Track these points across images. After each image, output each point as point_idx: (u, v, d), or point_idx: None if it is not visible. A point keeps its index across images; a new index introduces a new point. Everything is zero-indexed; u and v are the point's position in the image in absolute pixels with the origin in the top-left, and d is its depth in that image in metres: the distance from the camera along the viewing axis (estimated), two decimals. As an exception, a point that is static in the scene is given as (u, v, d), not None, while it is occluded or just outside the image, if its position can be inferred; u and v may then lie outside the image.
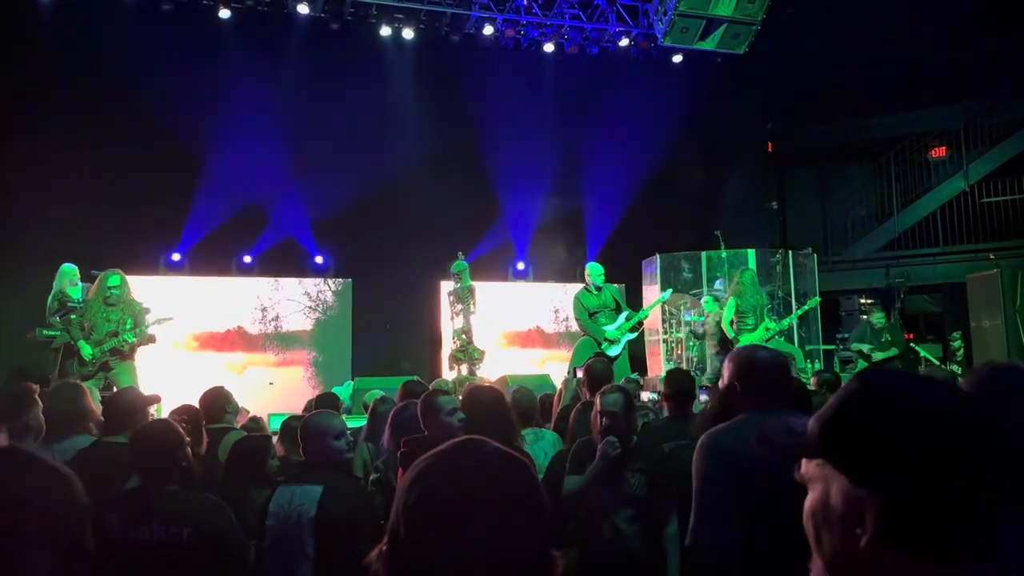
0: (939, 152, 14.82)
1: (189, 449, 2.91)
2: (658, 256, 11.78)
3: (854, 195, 15.55)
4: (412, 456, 3.61)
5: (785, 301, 10.98)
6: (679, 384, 4.46)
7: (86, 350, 7.47)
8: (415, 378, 6.14)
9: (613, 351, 8.67)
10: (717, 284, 11.33)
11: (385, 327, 12.13)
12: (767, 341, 8.57)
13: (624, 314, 8.81)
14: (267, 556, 3.00)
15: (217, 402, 4.66)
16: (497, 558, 0.92)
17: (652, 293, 11.91)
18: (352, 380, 10.44)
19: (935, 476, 0.88)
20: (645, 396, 4.79)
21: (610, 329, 8.76)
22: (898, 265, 13.88)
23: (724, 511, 2.46)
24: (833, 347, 12.49)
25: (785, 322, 9.17)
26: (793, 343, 10.51)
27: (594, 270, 8.90)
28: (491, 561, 0.92)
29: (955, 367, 10.82)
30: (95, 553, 2.57)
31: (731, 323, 8.73)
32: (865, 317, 11.46)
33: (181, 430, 2.94)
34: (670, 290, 10.47)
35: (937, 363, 10.99)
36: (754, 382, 2.58)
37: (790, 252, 11.71)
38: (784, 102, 14.78)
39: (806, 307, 9.65)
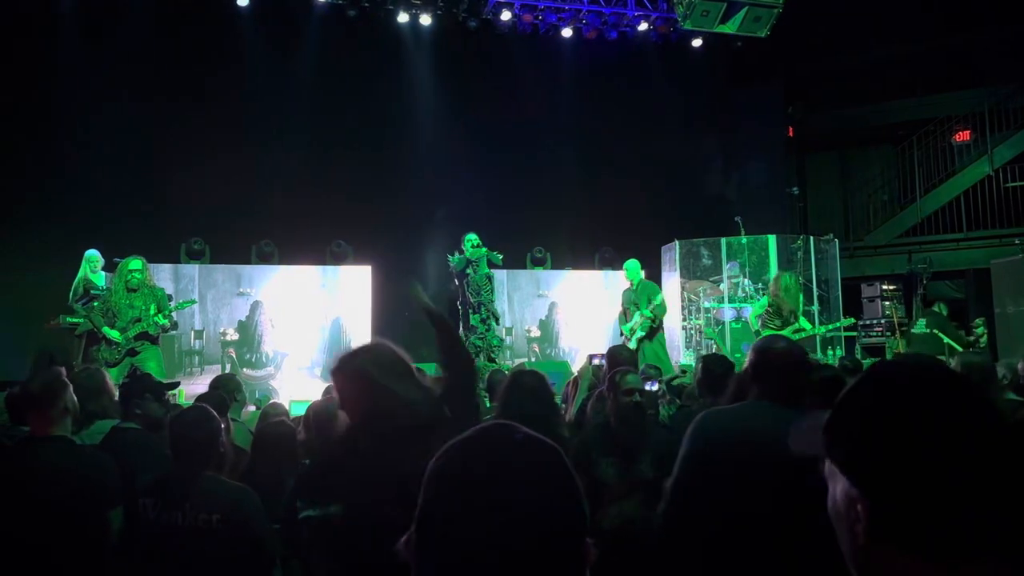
0: (963, 136, 14.59)
1: (225, 437, 2.97)
2: (677, 242, 11.71)
3: (876, 180, 15.37)
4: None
5: (806, 288, 10.88)
6: (714, 369, 4.35)
7: (114, 335, 7.54)
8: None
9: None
10: (730, 267, 11.26)
11: (404, 314, 12.15)
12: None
13: (637, 314, 9.00)
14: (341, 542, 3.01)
15: (225, 389, 4.69)
16: (530, 549, 0.91)
17: (671, 279, 11.87)
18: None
19: (923, 478, 0.89)
20: (649, 386, 4.71)
21: (624, 326, 9.22)
22: (921, 251, 13.70)
23: (693, 490, 2.49)
24: (854, 334, 12.39)
25: (821, 329, 9.37)
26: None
27: (625, 267, 9.55)
28: (524, 552, 0.91)
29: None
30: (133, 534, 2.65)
31: (758, 318, 8.78)
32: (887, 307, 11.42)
33: (219, 418, 2.98)
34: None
35: (962, 350, 10.87)
36: (765, 372, 2.58)
37: (811, 238, 11.59)
38: (805, 86, 14.62)
39: (839, 324, 9.95)
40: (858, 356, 10.36)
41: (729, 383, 4.31)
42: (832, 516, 0.99)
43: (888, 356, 11.89)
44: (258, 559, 2.82)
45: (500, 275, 11.41)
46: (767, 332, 8.60)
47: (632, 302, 9.24)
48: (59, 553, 2.78)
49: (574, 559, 0.95)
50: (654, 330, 9.25)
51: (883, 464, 0.91)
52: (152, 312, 7.67)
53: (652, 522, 3.57)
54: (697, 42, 13.17)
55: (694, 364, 7.47)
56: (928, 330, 10.64)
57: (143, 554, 2.80)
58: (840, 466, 0.96)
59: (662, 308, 9.29)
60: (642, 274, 9.70)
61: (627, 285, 9.76)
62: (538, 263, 12.90)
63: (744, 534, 2.31)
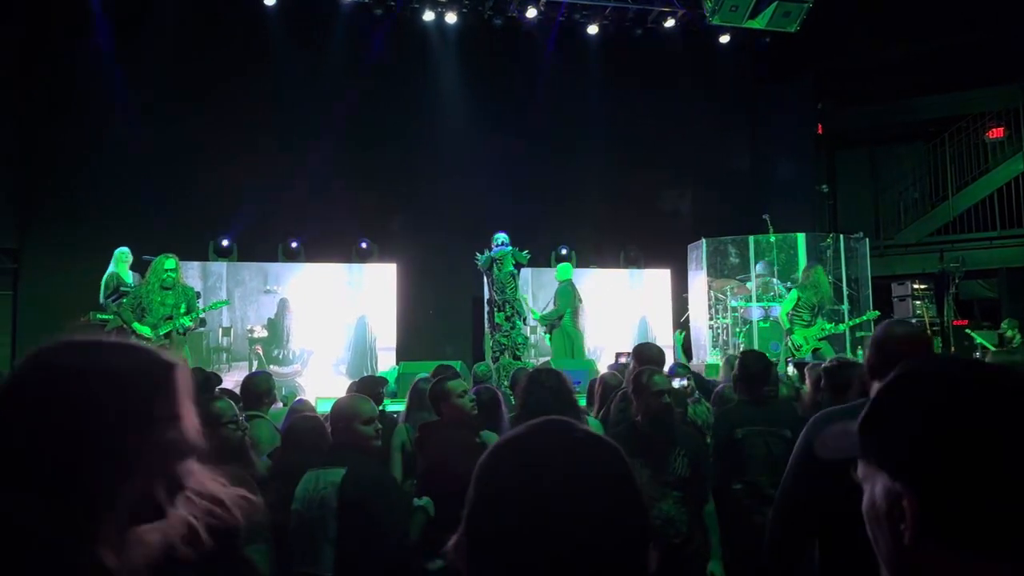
0: (996, 133, 14.34)
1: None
2: (704, 240, 11.61)
3: (907, 177, 15.14)
4: (426, 440, 3.63)
5: (835, 286, 10.74)
6: (753, 367, 4.23)
7: (145, 332, 7.63)
8: (462, 365, 6.14)
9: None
10: (759, 267, 11.15)
11: (428, 312, 12.17)
12: (819, 340, 8.54)
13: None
14: (291, 539, 3.02)
15: (259, 387, 4.70)
16: (592, 558, 0.85)
17: (697, 277, 11.77)
18: (397, 365, 10.52)
19: (971, 467, 0.83)
20: (677, 383, 4.67)
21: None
22: (953, 249, 13.47)
23: (801, 500, 2.34)
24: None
25: (842, 326, 9.29)
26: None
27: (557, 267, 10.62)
28: (585, 561, 0.85)
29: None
30: None
31: (788, 315, 8.75)
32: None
33: (236, 408, 2.99)
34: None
35: (994, 349, 10.68)
36: (885, 361, 2.28)
37: (841, 236, 11.43)
38: (835, 82, 14.43)
39: (865, 317, 9.84)
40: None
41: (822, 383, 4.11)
42: (869, 520, 0.93)
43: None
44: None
45: (525, 273, 11.37)
46: (798, 329, 8.57)
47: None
48: None
49: (638, 569, 0.89)
50: (552, 326, 10.19)
51: (931, 451, 0.85)
52: (182, 310, 7.76)
53: (688, 521, 3.56)
54: (725, 38, 13.04)
55: (720, 364, 7.40)
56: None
57: None
58: (880, 461, 0.91)
59: (548, 316, 10.23)
60: (571, 275, 10.40)
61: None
62: (563, 261, 12.85)
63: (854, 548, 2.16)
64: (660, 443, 3.57)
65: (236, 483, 1.16)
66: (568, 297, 10.13)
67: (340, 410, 3.21)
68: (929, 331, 12.30)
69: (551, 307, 10.31)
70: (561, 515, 0.86)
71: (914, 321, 12.43)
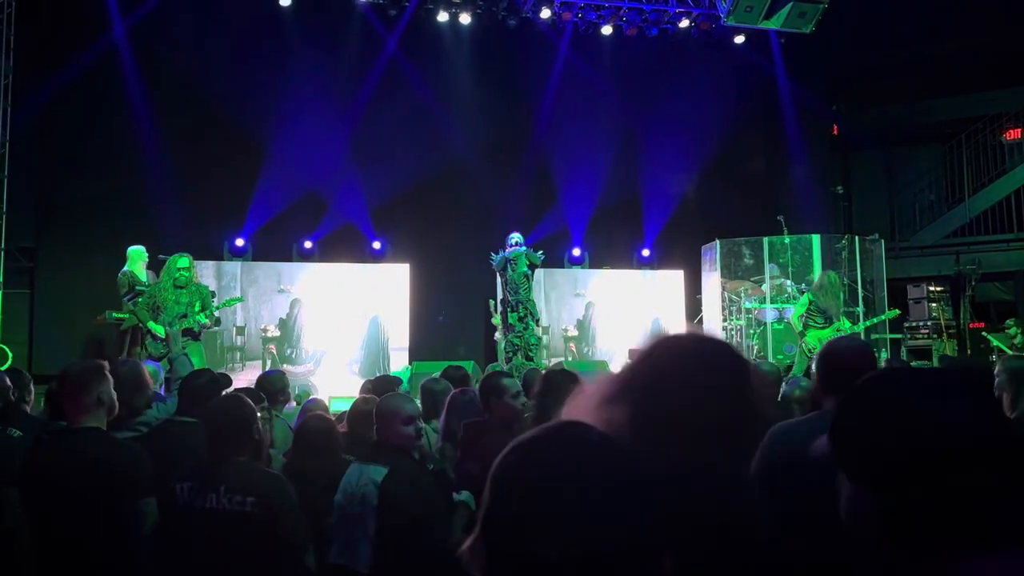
0: (1014, 134, 14.21)
1: (260, 424, 2.99)
2: (718, 241, 11.56)
3: (923, 179, 15.03)
4: (475, 441, 3.61)
5: (850, 288, 10.67)
6: None
7: (159, 331, 7.67)
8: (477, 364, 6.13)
9: None
10: (771, 268, 11.10)
11: (439, 316, 12.19)
12: None
13: None
14: (331, 531, 3.04)
15: (274, 385, 4.72)
16: (609, 557, 0.85)
17: (711, 279, 11.73)
18: (409, 365, 10.54)
19: (922, 472, 0.88)
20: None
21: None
22: (969, 252, 13.35)
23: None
24: (900, 336, 12.14)
25: (860, 326, 9.20)
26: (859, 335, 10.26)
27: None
28: (601, 559, 0.85)
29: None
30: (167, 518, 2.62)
31: (800, 318, 8.70)
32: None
33: (253, 405, 3.00)
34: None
35: (1010, 351, 10.58)
36: (832, 375, 2.35)
37: (856, 238, 11.37)
38: (850, 83, 14.35)
39: (884, 317, 9.72)
40: (903, 358, 10.14)
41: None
42: (846, 523, 0.98)
43: (934, 358, 11.62)
44: (288, 544, 2.83)
45: (538, 274, 11.38)
46: (811, 331, 8.53)
47: None
48: (91, 542, 2.81)
49: (653, 573, 0.89)
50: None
51: (880, 455, 0.92)
52: (197, 308, 7.80)
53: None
54: (739, 39, 13.00)
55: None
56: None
57: (176, 538, 2.85)
58: (844, 468, 0.97)
59: None
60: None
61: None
62: (576, 262, 12.85)
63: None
64: None
65: None
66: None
67: (382, 409, 3.23)
68: (945, 334, 12.22)
69: None
70: (578, 518, 0.86)
71: (927, 323, 12.36)
